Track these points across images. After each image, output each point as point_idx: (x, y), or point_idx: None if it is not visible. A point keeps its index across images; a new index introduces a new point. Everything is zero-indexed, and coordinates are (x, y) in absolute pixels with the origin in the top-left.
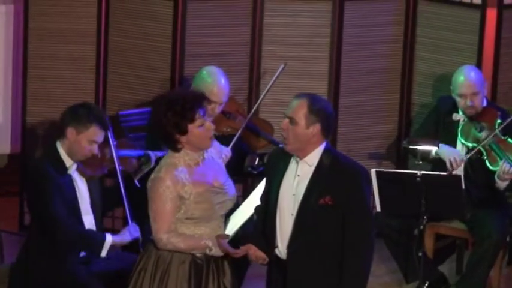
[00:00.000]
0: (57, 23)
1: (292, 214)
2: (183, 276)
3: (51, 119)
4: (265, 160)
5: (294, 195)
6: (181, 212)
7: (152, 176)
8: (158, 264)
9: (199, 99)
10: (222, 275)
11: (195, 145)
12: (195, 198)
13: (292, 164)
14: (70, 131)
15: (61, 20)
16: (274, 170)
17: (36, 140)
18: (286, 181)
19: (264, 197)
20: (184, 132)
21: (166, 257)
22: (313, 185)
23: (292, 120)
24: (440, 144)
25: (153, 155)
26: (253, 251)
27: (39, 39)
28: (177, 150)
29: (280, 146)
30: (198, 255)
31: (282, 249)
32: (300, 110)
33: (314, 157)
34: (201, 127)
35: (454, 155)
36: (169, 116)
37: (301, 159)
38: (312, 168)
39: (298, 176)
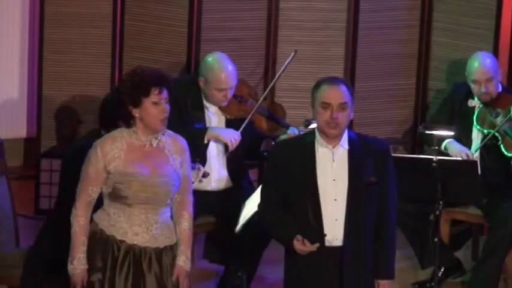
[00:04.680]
0: (73, 7)
1: (335, 200)
2: (100, 254)
3: (67, 104)
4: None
5: (334, 180)
6: (106, 186)
7: None
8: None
9: (161, 80)
10: (143, 265)
11: (147, 123)
12: (119, 176)
13: (321, 151)
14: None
15: (77, 4)
16: (294, 161)
17: (52, 125)
18: (321, 168)
19: (280, 191)
20: (138, 104)
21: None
22: (355, 167)
23: (345, 106)
24: (450, 140)
25: None
26: (304, 245)
27: (55, 23)
28: (128, 124)
29: (292, 130)
30: (118, 238)
31: (329, 236)
32: (347, 94)
33: (345, 140)
34: (155, 105)
35: (462, 154)
36: (128, 85)
37: (335, 144)
38: (346, 151)
39: (334, 160)
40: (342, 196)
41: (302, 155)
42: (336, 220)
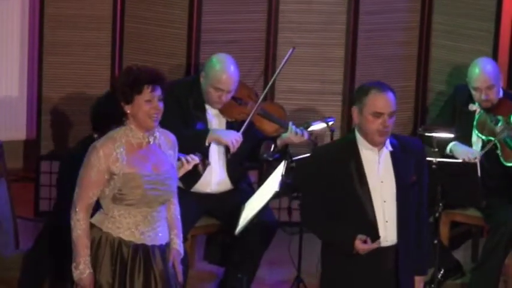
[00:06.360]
0: (73, 9)
1: (384, 201)
2: (108, 257)
3: (67, 106)
4: (278, 147)
5: (382, 182)
6: (110, 187)
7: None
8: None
9: (155, 78)
10: (152, 263)
11: (138, 120)
12: (124, 177)
13: (366, 153)
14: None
15: (77, 6)
16: (339, 167)
17: (52, 127)
18: (368, 171)
19: (322, 197)
20: (130, 101)
21: (96, 235)
22: (399, 168)
23: (394, 114)
24: (455, 143)
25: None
26: (365, 245)
27: (55, 25)
28: (121, 122)
29: (293, 127)
30: (125, 239)
31: (381, 238)
32: (395, 101)
33: (388, 142)
34: (148, 102)
35: (468, 154)
36: (121, 82)
37: (380, 147)
38: (389, 153)
39: (379, 163)
40: (391, 197)
41: (347, 159)
42: (387, 221)
